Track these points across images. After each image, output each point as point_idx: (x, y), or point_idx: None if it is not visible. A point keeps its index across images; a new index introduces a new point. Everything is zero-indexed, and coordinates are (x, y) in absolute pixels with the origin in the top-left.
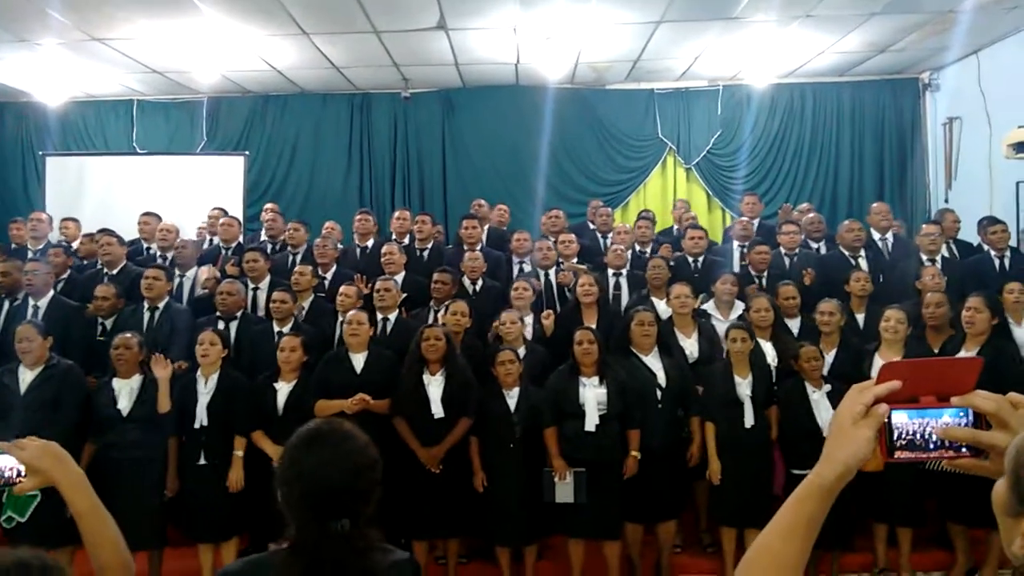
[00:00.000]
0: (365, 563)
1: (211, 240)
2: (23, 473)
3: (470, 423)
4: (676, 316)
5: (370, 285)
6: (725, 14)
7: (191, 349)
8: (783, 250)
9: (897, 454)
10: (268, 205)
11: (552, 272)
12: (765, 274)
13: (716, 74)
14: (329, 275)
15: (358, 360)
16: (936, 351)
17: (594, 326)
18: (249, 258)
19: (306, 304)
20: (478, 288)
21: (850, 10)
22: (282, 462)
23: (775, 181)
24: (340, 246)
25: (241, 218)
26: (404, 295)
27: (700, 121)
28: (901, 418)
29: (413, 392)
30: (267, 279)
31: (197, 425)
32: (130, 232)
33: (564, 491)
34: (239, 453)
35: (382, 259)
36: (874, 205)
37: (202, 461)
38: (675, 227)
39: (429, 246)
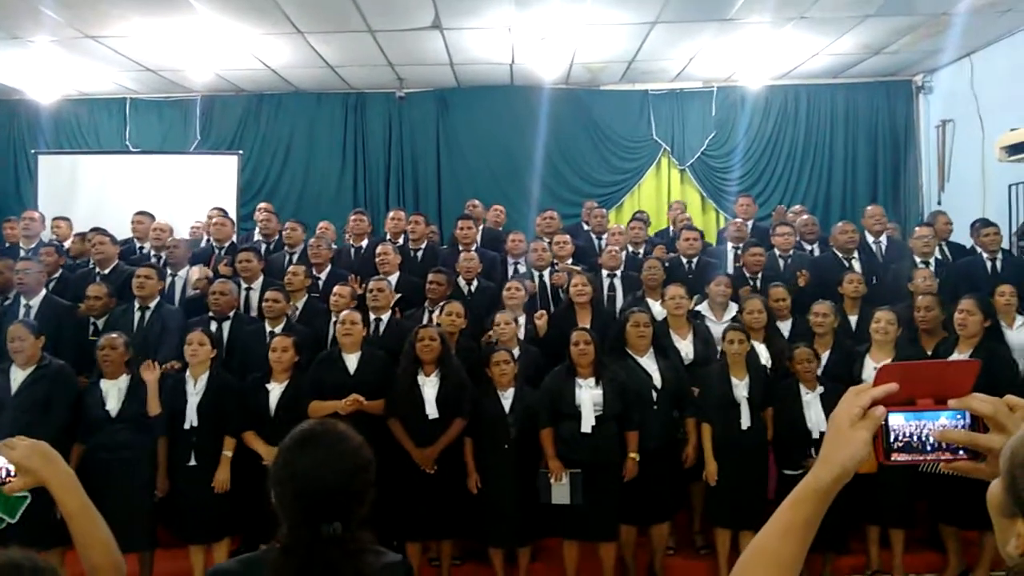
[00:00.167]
0: (357, 565)
1: (207, 240)
2: (13, 473)
3: (464, 424)
4: (671, 317)
5: (364, 285)
6: (720, 15)
7: (182, 349)
8: (777, 252)
9: (894, 456)
10: (262, 205)
11: (546, 273)
12: (759, 275)
13: (710, 75)
14: (323, 275)
15: (351, 361)
16: (929, 353)
17: (588, 326)
18: (242, 258)
19: (300, 304)
20: (473, 289)
21: (844, 12)
22: (276, 462)
23: (769, 183)
24: (334, 246)
25: (234, 217)
26: (398, 295)
27: (694, 122)
28: (898, 420)
29: (408, 393)
30: (260, 279)
31: (187, 426)
32: (123, 231)
33: (560, 492)
34: (227, 453)
35: (376, 259)
36: (868, 208)
37: (192, 462)
38: (671, 228)
39: (423, 246)
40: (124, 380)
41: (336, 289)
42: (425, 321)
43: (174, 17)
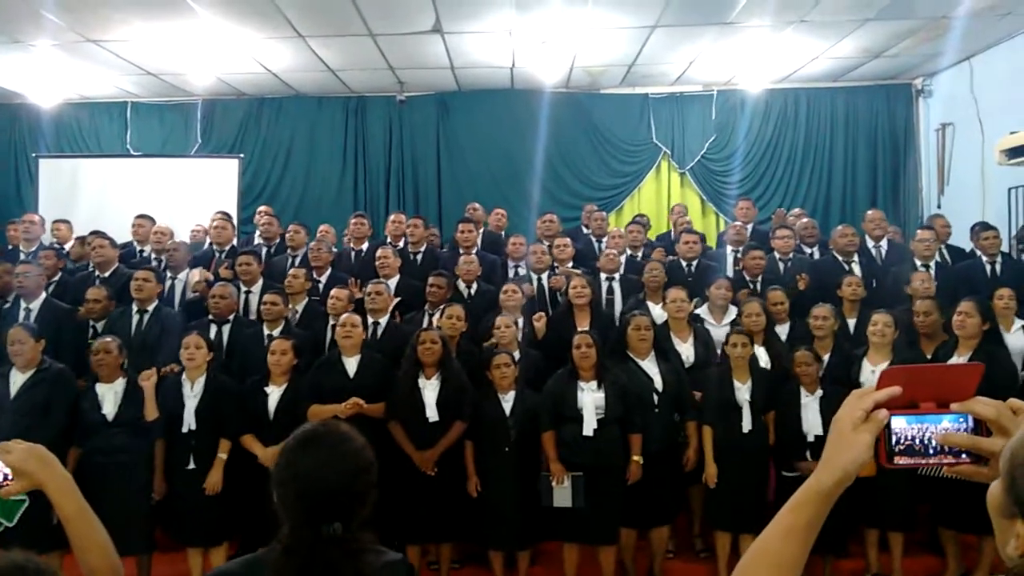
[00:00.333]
0: (358, 564)
1: (209, 243)
2: (9, 477)
3: (464, 427)
4: (672, 320)
5: (363, 289)
6: (720, 19)
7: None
8: (777, 255)
9: (896, 459)
10: (262, 208)
11: (545, 276)
12: (759, 279)
13: (711, 79)
14: (324, 278)
15: (351, 364)
16: (929, 357)
17: (587, 329)
18: (242, 261)
19: (299, 308)
20: (472, 292)
21: (844, 16)
22: (278, 463)
23: (769, 186)
24: (334, 249)
25: (235, 221)
26: (398, 299)
27: (694, 126)
28: (900, 424)
29: (408, 396)
30: (260, 282)
31: (185, 429)
32: (124, 235)
33: (562, 495)
34: (222, 456)
35: (376, 262)
36: (868, 212)
37: (191, 465)
38: (672, 232)
39: (423, 249)
40: (120, 384)
41: (333, 292)
42: (425, 324)
43: (175, 21)
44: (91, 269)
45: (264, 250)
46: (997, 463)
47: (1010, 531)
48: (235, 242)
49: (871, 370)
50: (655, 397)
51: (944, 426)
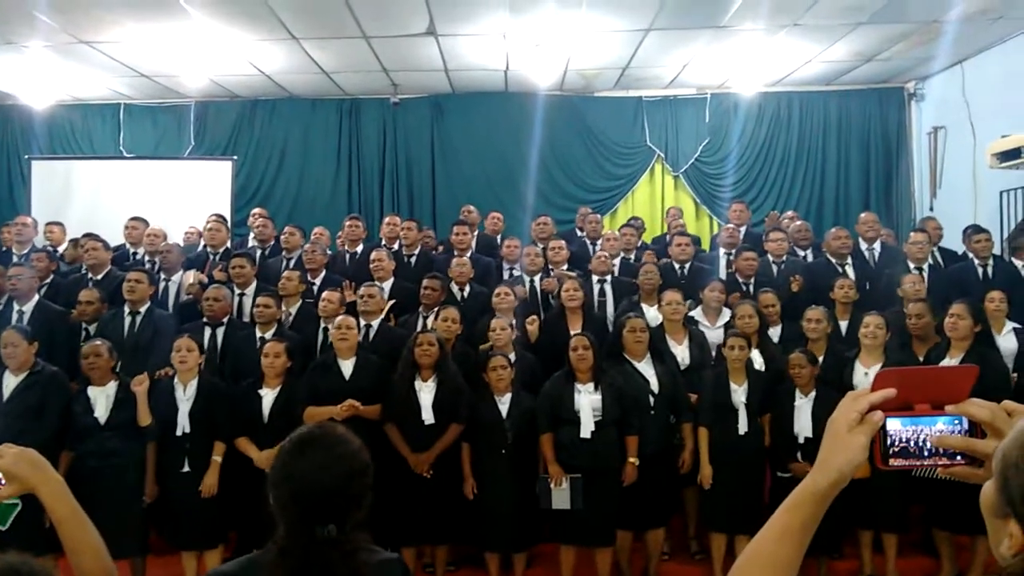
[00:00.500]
0: (353, 564)
1: (202, 245)
2: (1, 481)
3: (460, 429)
4: (667, 323)
5: (357, 291)
6: (713, 22)
7: None
8: (771, 257)
9: (891, 461)
10: (256, 210)
11: (538, 278)
12: (752, 281)
13: (704, 82)
14: (318, 281)
15: (346, 366)
16: (920, 359)
17: (579, 331)
18: (235, 263)
19: (293, 310)
20: (466, 294)
21: (837, 20)
22: (275, 464)
23: (762, 189)
24: (328, 252)
25: (229, 223)
26: (392, 301)
27: (688, 129)
28: (895, 425)
29: (404, 398)
30: (253, 285)
31: (179, 432)
32: (117, 237)
33: (560, 497)
34: (217, 459)
35: (371, 265)
36: (862, 215)
37: (186, 468)
38: (666, 234)
39: (416, 252)
40: (112, 387)
41: (325, 295)
42: (420, 327)
43: (168, 23)
44: (84, 271)
45: (258, 252)
46: (991, 464)
47: (1003, 531)
48: (229, 244)
49: (863, 372)
50: (651, 399)
51: (939, 428)
